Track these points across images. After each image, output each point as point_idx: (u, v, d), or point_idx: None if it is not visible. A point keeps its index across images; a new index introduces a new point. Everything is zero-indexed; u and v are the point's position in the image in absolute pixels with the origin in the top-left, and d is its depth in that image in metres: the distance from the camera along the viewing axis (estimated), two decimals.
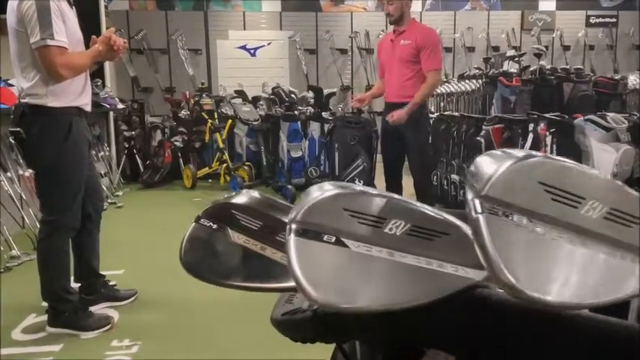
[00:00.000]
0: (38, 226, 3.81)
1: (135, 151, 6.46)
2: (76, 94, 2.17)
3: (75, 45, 2.15)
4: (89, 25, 2.27)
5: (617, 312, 0.47)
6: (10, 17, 2.08)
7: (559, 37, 8.48)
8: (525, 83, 3.92)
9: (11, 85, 3.86)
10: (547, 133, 3.14)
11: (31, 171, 3.88)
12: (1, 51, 4.20)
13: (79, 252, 2.46)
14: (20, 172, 3.89)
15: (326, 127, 5.69)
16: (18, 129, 2.09)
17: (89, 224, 2.43)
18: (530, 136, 3.20)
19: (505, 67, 4.85)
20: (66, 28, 2.08)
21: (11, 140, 3.29)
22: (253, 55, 7.98)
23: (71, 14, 2.17)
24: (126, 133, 6.38)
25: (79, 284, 2.53)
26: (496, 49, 8.45)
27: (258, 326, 2.33)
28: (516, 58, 4.69)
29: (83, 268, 2.51)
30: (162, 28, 7.75)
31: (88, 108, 2.27)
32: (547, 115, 3.15)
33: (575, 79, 3.95)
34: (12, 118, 2.14)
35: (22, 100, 2.10)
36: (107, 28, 6.18)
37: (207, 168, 6.26)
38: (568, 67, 4.78)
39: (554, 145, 3.12)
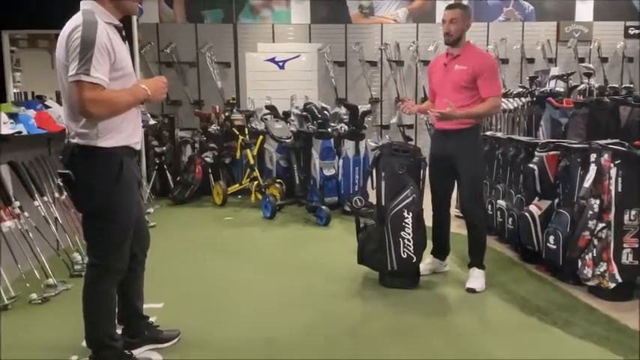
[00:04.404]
0: (73, 249, 3.82)
1: (165, 166, 6.40)
2: (128, 132, 2.05)
3: (126, 80, 2.04)
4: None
5: None
6: (60, 52, 1.96)
7: (596, 49, 8.21)
8: (579, 106, 3.70)
9: (48, 107, 3.81)
10: (612, 164, 2.92)
11: (66, 194, 3.84)
12: None
13: (123, 292, 2.33)
14: (56, 195, 3.83)
15: (361, 145, 5.56)
16: (67, 171, 1.98)
17: (134, 264, 2.31)
18: (593, 167, 2.99)
19: (551, 86, 4.63)
20: (116, 61, 1.97)
21: (60, 183, 3.21)
22: (282, 67, 7.87)
23: (123, 48, 2.05)
24: (157, 149, 6.31)
25: (122, 326, 2.42)
26: (531, 60, 8.23)
27: None
28: (564, 77, 4.46)
29: (127, 310, 2.39)
30: (191, 41, 7.71)
31: (139, 146, 2.15)
32: (613, 146, 2.93)
33: (634, 102, 3.72)
34: (61, 159, 2.03)
35: (72, 140, 1.98)
36: (139, 41, 6.16)
37: (237, 185, 6.16)
38: (617, 86, 4.54)
39: (620, 178, 2.91)
